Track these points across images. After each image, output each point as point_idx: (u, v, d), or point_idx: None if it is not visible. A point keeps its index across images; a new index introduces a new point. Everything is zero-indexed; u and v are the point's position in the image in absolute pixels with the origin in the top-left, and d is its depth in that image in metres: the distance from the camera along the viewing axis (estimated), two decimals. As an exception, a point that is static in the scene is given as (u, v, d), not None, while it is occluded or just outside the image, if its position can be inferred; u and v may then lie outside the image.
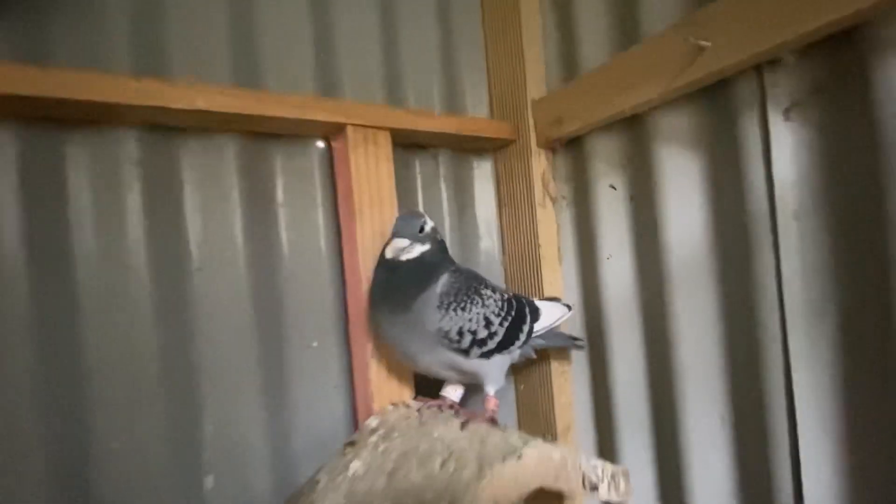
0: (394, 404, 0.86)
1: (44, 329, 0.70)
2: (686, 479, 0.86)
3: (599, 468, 0.73)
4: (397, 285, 0.76)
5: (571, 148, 1.05)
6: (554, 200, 1.07)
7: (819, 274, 0.70)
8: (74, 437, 0.71)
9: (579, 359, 1.06)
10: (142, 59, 0.77)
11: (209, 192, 0.82)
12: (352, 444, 0.78)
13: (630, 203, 0.96)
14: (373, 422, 0.82)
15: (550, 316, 0.90)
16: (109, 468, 0.73)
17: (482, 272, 0.88)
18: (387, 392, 0.87)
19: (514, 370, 1.10)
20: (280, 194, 0.89)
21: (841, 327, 0.68)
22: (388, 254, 0.76)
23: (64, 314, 0.71)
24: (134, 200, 0.76)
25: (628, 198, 0.96)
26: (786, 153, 0.72)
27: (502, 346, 0.81)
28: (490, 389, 0.83)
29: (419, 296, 0.75)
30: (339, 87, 0.95)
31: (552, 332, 0.93)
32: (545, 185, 1.05)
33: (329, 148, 0.92)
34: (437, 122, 0.97)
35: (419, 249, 0.77)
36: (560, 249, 1.08)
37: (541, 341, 0.90)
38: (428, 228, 0.79)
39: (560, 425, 1.03)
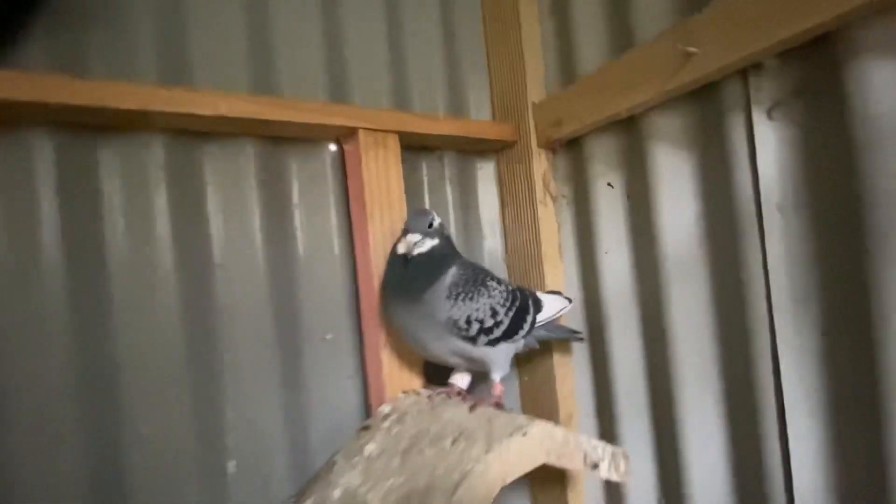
0: (405, 392, 0.90)
1: (79, 322, 0.74)
2: (683, 460, 0.90)
3: (600, 448, 0.76)
4: (409, 278, 0.80)
5: (571, 148, 1.09)
6: (554, 199, 1.10)
7: (802, 262, 0.73)
8: (107, 422, 0.75)
9: (580, 350, 1.09)
10: (167, 69, 0.82)
11: (229, 193, 0.86)
12: (366, 428, 0.82)
13: (627, 200, 0.99)
14: (386, 408, 0.86)
15: (552, 307, 0.94)
16: (139, 452, 0.76)
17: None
18: (398, 381, 0.90)
19: (518, 363, 1.13)
20: (295, 195, 0.93)
21: (824, 312, 0.72)
22: (401, 249, 0.79)
23: (98, 308, 0.75)
24: (161, 201, 0.80)
25: (625, 195, 0.99)
26: (769, 150, 0.75)
27: (507, 335, 0.84)
28: (496, 376, 0.86)
29: (430, 287, 0.79)
30: (350, 93, 0.99)
31: (554, 324, 0.96)
32: (546, 185, 1.08)
33: (341, 151, 0.96)
34: (442, 125, 1.01)
35: (429, 244, 0.81)
36: (560, 246, 1.11)
37: (543, 332, 0.94)
38: (436, 224, 0.83)
39: (563, 414, 1.06)
